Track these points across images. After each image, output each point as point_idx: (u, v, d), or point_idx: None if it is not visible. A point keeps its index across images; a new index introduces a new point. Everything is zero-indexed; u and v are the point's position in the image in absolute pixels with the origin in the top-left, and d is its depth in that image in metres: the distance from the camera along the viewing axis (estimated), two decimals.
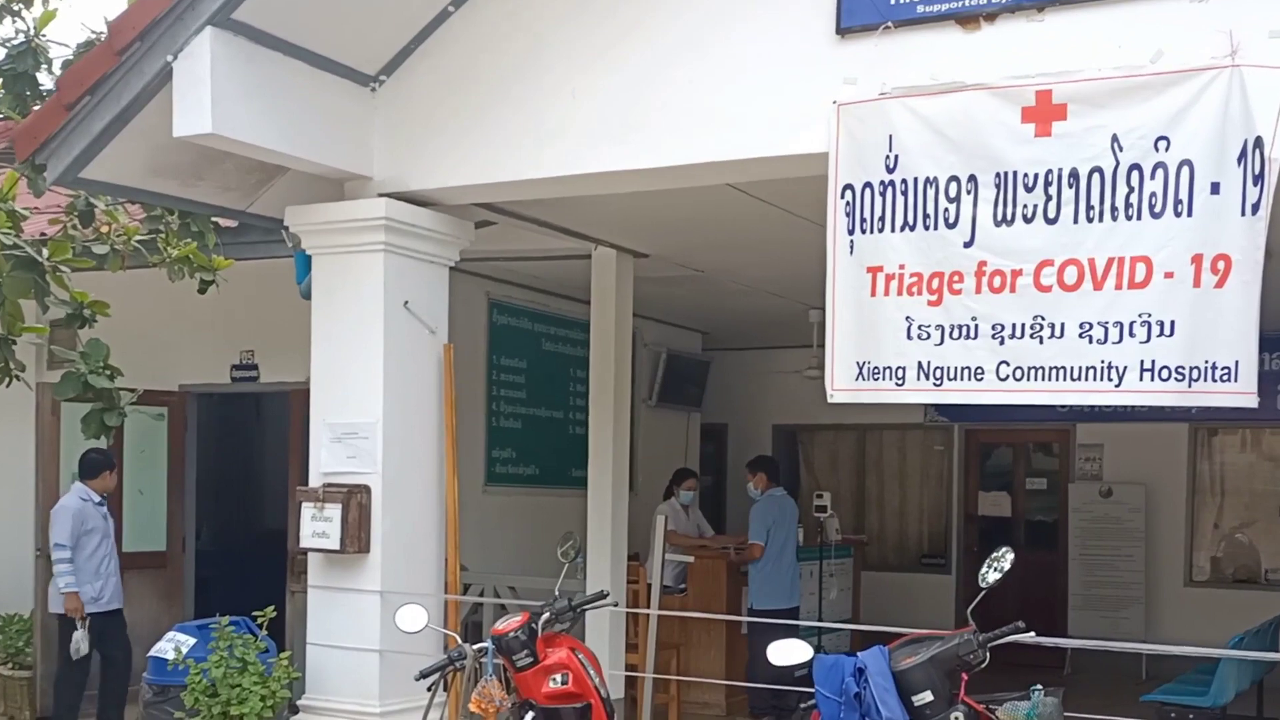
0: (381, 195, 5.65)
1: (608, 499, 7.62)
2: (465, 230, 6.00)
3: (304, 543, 5.48)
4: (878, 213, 4.69)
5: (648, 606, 7.86)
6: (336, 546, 5.37)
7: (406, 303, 5.69)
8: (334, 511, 5.37)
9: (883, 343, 4.68)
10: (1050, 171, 4.40)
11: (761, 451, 12.46)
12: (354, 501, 5.40)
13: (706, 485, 11.63)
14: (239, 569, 8.58)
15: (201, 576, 9.78)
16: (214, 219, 7.42)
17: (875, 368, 4.71)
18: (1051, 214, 4.41)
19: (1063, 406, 5.70)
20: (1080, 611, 10.85)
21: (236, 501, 9.58)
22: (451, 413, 5.84)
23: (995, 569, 3.94)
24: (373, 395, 5.58)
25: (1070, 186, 4.38)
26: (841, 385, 4.79)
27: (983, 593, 3.90)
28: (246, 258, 7.83)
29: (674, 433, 11.35)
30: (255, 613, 5.52)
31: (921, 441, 12.23)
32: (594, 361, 7.69)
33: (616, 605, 7.02)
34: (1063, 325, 4.40)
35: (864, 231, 4.72)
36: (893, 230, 4.66)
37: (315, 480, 5.64)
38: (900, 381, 4.65)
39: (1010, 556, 3.93)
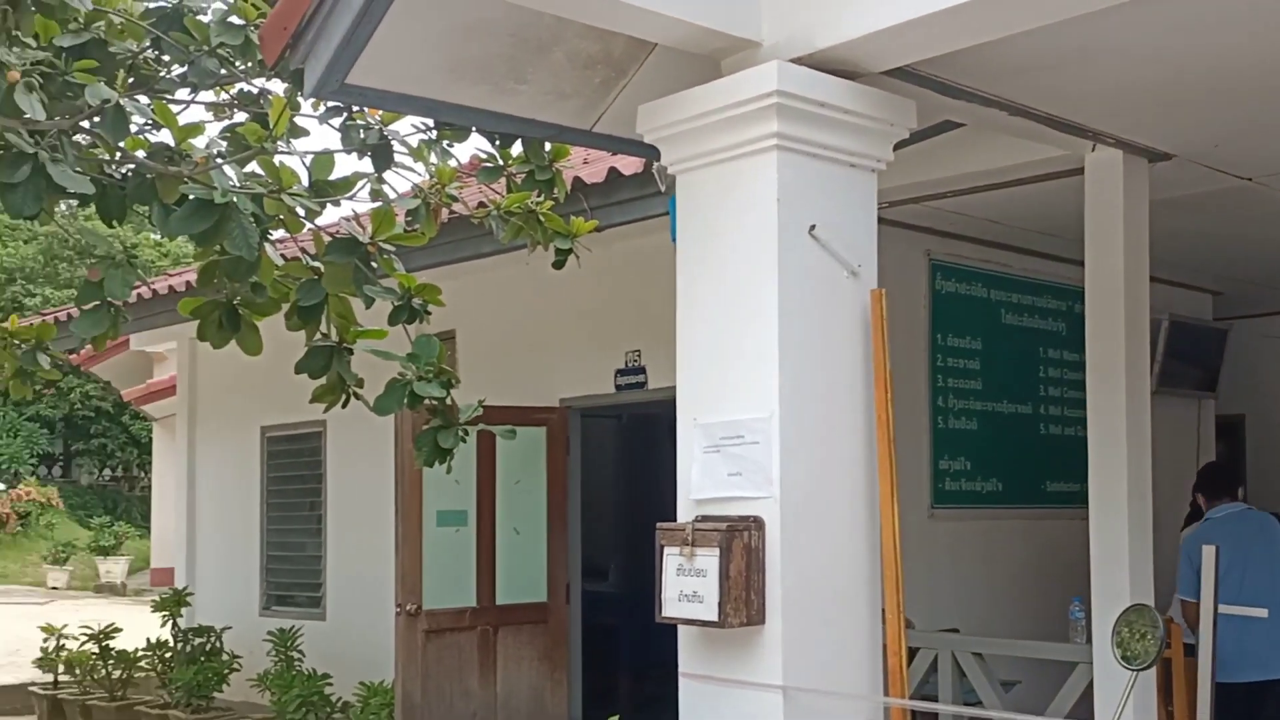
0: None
1: (1121, 524, 5.13)
2: (902, 113, 3.83)
3: (666, 610, 3.50)
4: None
5: (1187, 684, 5.34)
6: (713, 616, 3.36)
7: (813, 228, 3.61)
8: (708, 561, 3.37)
9: None
10: None
11: None
12: (738, 544, 3.37)
13: None
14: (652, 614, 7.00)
15: (606, 626, 8.32)
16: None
17: None
18: None
19: None
20: None
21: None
22: (886, 395, 3.69)
23: None
24: (764, 377, 3.54)
25: None
26: None
27: None
28: (617, 222, 6.14)
29: (1180, 427, 8.54)
30: None
31: None
32: (1092, 328, 5.24)
33: None
34: None
35: None
36: None
37: (684, 512, 3.67)
38: None
39: None
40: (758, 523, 3.45)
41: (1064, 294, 7.29)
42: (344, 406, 4.36)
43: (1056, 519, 7.11)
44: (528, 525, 7.37)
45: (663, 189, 4.64)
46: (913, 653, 5.61)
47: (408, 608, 6.91)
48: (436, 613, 6.99)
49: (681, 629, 3.61)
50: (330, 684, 8.09)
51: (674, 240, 4.06)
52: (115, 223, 3.67)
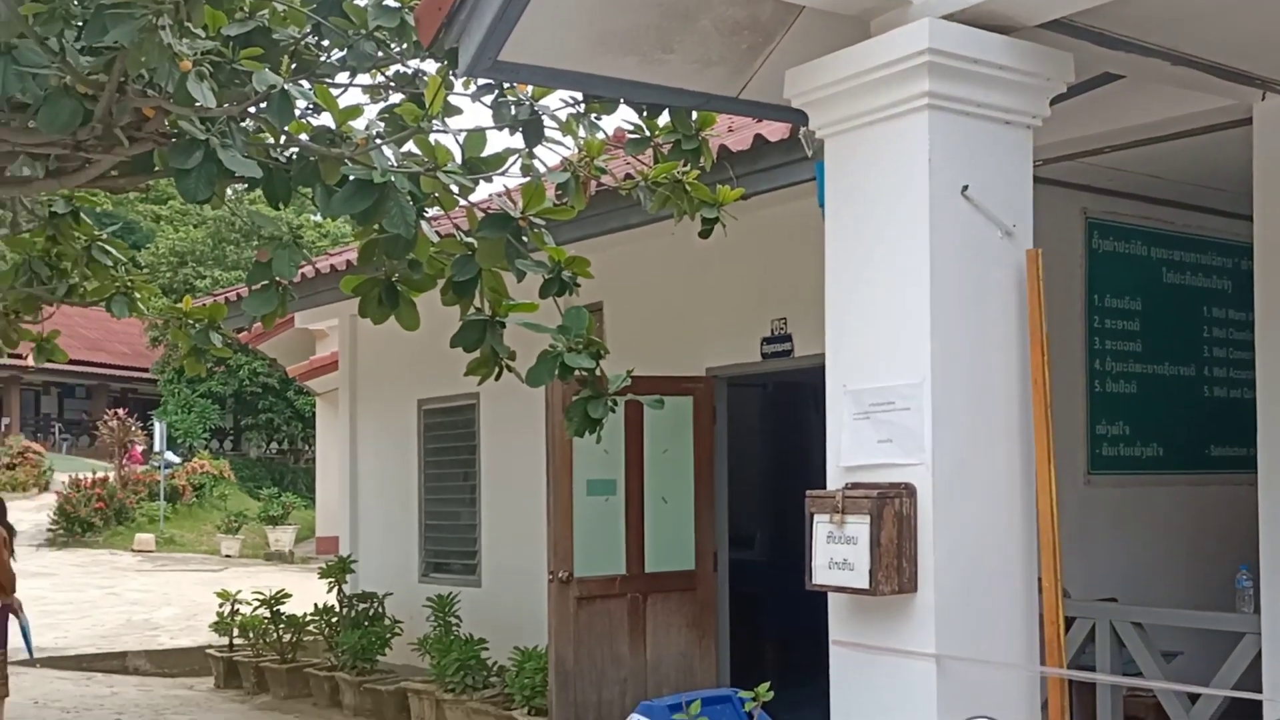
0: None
1: None
2: (1058, 66, 3.72)
3: (817, 577, 3.51)
4: None
5: None
6: (864, 584, 3.36)
7: (966, 188, 3.55)
8: (859, 528, 3.36)
9: None
10: None
11: None
12: (889, 511, 3.36)
13: None
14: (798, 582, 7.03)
15: (752, 594, 8.36)
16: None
17: None
18: None
19: None
20: None
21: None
22: (1042, 358, 3.62)
23: None
24: (915, 341, 3.51)
25: None
26: None
27: None
28: (762, 190, 6.13)
29: None
30: (743, 693, 3.61)
31: None
32: (1261, 285, 5.04)
33: None
34: None
35: None
36: None
37: (834, 479, 3.67)
38: None
39: None
40: (909, 490, 3.43)
41: (1230, 250, 7.00)
42: (497, 379, 4.49)
43: (1220, 485, 6.86)
44: (675, 494, 7.45)
45: (810, 154, 4.60)
46: (1069, 622, 5.49)
47: (560, 575, 7.06)
48: (587, 580, 7.13)
49: (832, 596, 3.62)
50: (486, 648, 8.33)
51: (821, 206, 4.03)
52: (280, 205, 3.83)
